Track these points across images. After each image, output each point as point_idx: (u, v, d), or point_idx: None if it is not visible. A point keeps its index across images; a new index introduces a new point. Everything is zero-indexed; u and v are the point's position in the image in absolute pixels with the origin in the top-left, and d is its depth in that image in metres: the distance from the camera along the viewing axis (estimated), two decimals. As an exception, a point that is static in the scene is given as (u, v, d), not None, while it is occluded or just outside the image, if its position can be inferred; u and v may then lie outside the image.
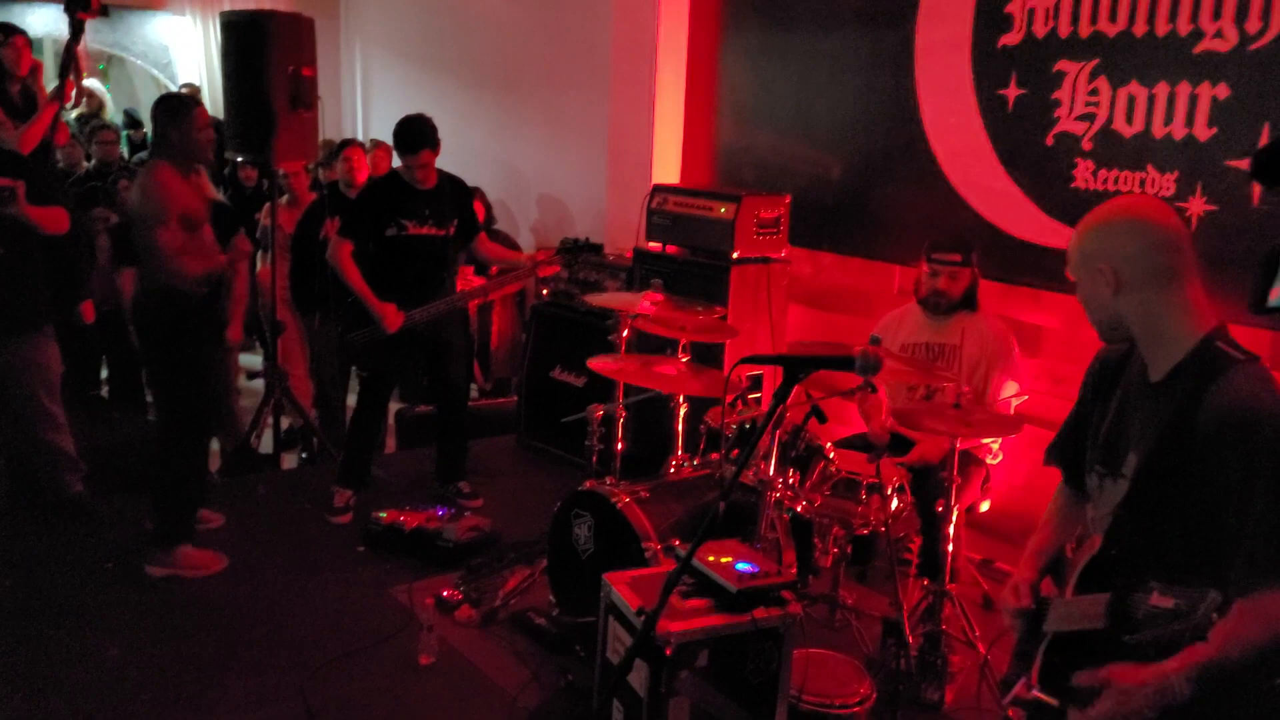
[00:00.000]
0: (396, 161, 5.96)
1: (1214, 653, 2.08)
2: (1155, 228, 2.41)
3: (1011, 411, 5.06)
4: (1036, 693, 2.52)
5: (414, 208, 5.85)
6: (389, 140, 6.11)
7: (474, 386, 8.47)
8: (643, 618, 3.03)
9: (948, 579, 4.53)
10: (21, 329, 5.60)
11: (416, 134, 5.80)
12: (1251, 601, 2.13)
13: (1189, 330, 2.39)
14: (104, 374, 8.27)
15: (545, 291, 7.51)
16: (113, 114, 12.23)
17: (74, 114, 9.87)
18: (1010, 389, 5.12)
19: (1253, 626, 2.11)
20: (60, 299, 6.18)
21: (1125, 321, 2.44)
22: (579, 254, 6.35)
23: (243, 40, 6.40)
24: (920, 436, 5.09)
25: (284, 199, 7.47)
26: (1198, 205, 5.03)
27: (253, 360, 9.27)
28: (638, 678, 3.37)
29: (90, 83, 11.48)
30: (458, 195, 6.14)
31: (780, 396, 2.76)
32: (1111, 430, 2.56)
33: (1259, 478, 2.19)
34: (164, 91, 12.48)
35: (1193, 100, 5.03)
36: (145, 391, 7.83)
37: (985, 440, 5.07)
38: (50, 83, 6.57)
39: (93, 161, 8.84)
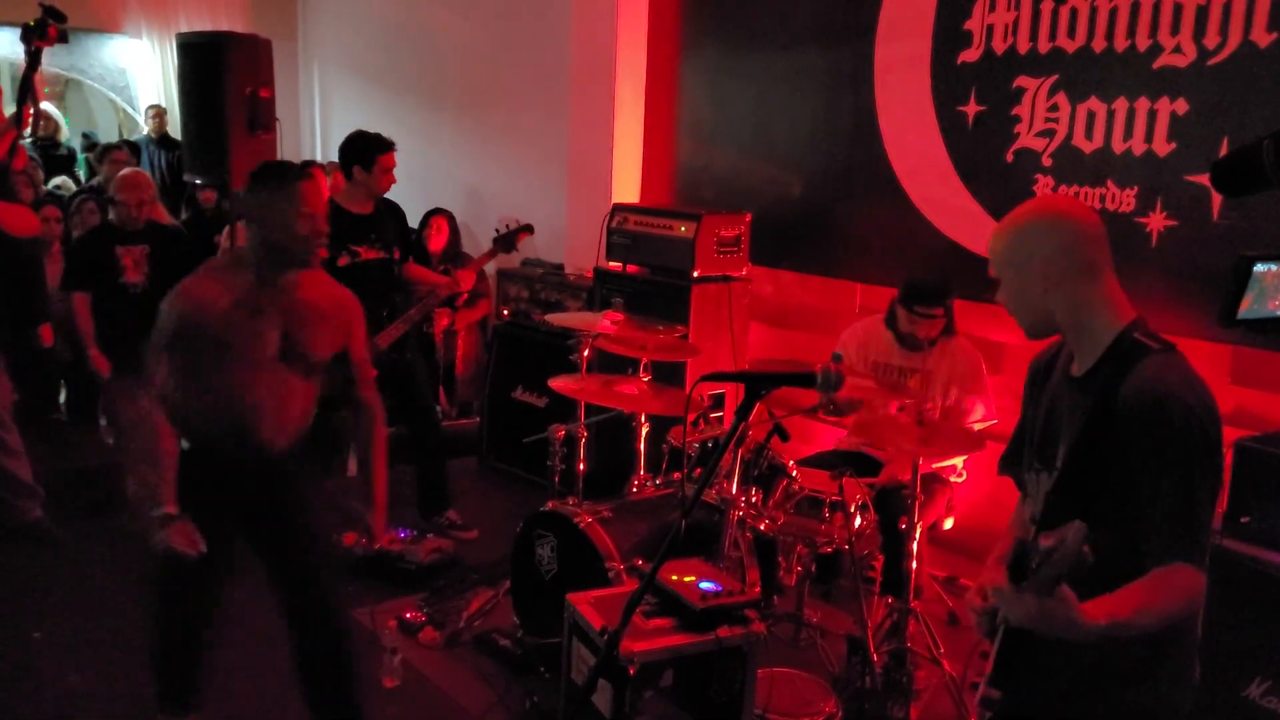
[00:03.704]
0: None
1: (1128, 615, 2.18)
2: (1078, 223, 2.46)
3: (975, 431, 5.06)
4: (986, 687, 2.51)
5: (361, 233, 5.82)
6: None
7: (439, 410, 8.42)
8: (606, 637, 3.00)
9: (912, 596, 4.52)
10: None
11: (373, 140, 5.82)
12: (1165, 571, 2.24)
13: (1110, 323, 2.44)
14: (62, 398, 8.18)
15: (506, 312, 7.48)
16: (68, 137, 12.14)
17: (29, 139, 9.80)
18: (979, 413, 5.11)
19: (1165, 594, 2.23)
20: (19, 321, 6.11)
21: (1054, 318, 2.47)
22: (514, 238, 6.38)
23: (200, 62, 6.34)
24: (890, 456, 5.09)
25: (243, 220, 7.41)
26: (1158, 220, 5.05)
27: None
28: (602, 698, 3.34)
29: (45, 106, 11.38)
30: (397, 219, 6.15)
31: (742, 414, 2.74)
32: (1044, 428, 2.60)
33: (1167, 455, 2.27)
34: (121, 115, 12.44)
35: (1152, 115, 5.05)
36: (100, 414, 7.75)
37: (950, 462, 5.07)
38: (7, 108, 6.49)
39: (98, 178, 8.98)
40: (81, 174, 10.98)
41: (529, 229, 6.50)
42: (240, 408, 3.59)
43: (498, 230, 6.51)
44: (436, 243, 7.66)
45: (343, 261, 5.73)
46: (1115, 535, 2.31)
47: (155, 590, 3.81)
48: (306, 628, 3.83)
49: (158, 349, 3.54)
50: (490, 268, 8.36)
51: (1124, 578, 2.24)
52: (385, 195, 5.98)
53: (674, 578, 3.58)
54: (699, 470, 4.83)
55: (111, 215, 6.52)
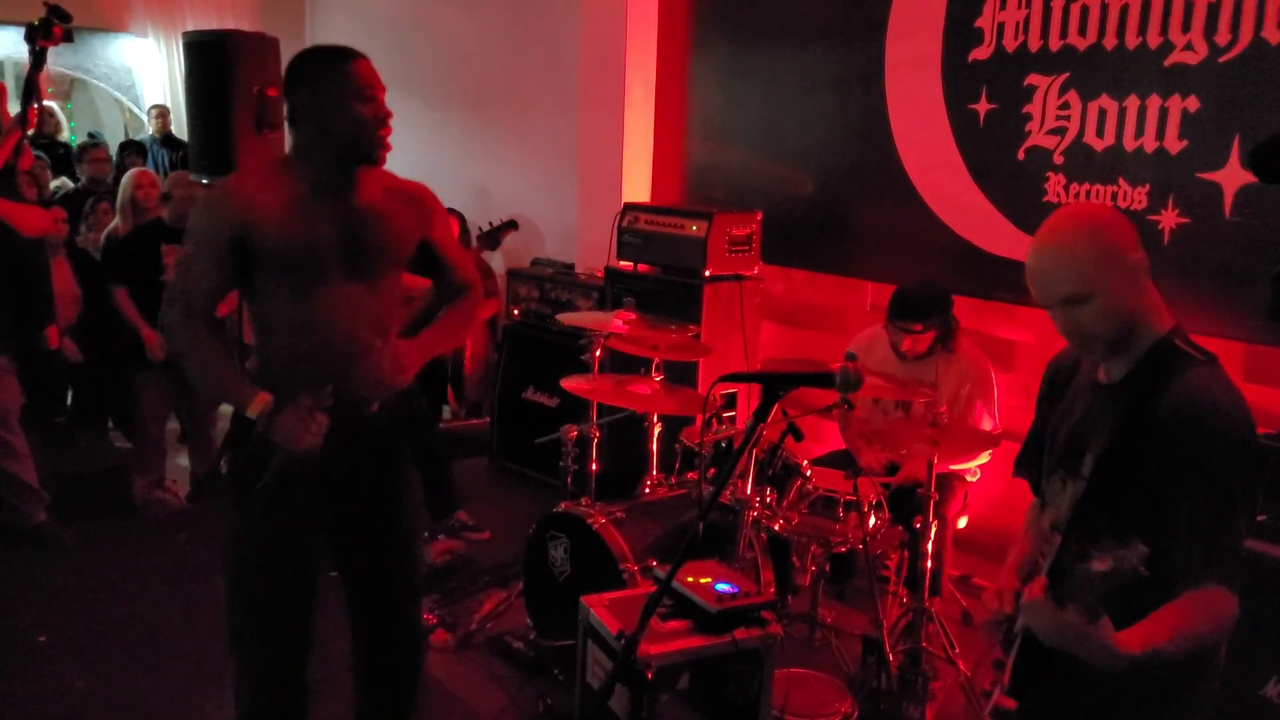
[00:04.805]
0: None
1: (1163, 643, 2.13)
2: (1126, 218, 2.43)
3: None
4: (1002, 697, 2.48)
5: None
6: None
7: (448, 410, 8.42)
8: (623, 641, 2.99)
9: (927, 595, 4.50)
10: None
11: None
12: (1200, 594, 2.19)
13: (1151, 328, 2.39)
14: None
15: (517, 312, 7.47)
16: (70, 137, 12.11)
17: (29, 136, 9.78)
18: (985, 425, 5.07)
19: (1200, 619, 2.19)
20: (22, 323, 6.10)
21: (1135, 319, 2.38)
22: (498, 234, 6.63)
23: (206, 61, 6.33)
24: (905, 458, 5.07)
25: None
26: (1170, 218, 5.03)
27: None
28: (619, 702, 3.32)
29: (48, 104, 11.34)
30: None
31: (760, 415, 2.72)
32: (1070, 433, 2.55)
33: (1207, 472, 2.22)
34: (127, 115, 12.43)
35: (1163, 113, 5.03)
36: (108, 416, 7.75)
37: (966, 465, 5.04)
38: (12, 107, 6.48)
39: (81, 181, 9.03)
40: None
41: (513, 225, 6.58)
42: (306, 341, 3.04)
43: (480, 229, 6.53)
44: (444, 241, 7.67)
45: None
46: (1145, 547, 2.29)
47: (240, 634, 3.38)
48: (377, 655, 3.60)
49: (190, 260, 2.98)
50: (500, 267, 8.35)
51: (1151, 590, 2.20)
52: None
53: (689, 579, 3.57)
54: (713, 470, 4.82)
55: (165, 213, 6.51)
